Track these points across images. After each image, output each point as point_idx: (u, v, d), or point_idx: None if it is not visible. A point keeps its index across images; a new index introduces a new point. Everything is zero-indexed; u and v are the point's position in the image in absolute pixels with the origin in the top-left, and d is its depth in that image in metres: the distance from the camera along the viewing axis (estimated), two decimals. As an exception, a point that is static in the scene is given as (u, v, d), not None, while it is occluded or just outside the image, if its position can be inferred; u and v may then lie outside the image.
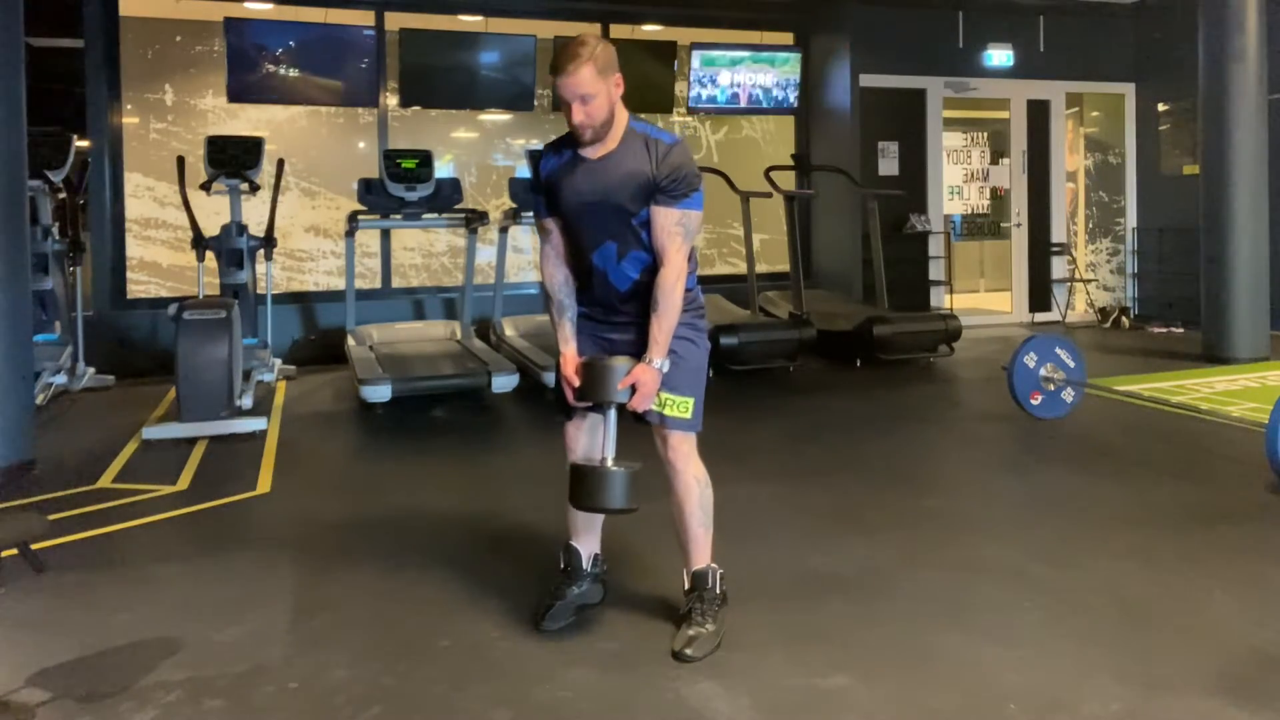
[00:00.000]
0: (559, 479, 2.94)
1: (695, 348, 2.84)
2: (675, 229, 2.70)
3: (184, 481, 4.62)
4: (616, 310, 2.84)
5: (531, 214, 7.27)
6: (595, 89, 2.60)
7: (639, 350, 2.74)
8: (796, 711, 2.43)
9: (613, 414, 2.72)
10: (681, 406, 2.77)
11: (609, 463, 2.68)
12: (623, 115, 2.72)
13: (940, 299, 9.66)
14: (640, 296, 2.76)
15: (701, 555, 2.85)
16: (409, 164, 7.12)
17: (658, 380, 2.71)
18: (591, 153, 2.73)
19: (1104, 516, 3.89)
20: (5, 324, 4.74)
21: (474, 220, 7.24)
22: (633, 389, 2.67)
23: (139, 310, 7.79)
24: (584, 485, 2.70)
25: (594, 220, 2.74)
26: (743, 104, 9.43)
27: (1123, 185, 10.33)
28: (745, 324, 7.24)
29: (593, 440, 2.87)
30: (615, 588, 3.09)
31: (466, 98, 8.66)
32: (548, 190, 2.81)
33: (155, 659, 2.74)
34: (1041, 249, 10.12)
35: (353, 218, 7.17)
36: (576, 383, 2.76)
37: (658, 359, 2.70)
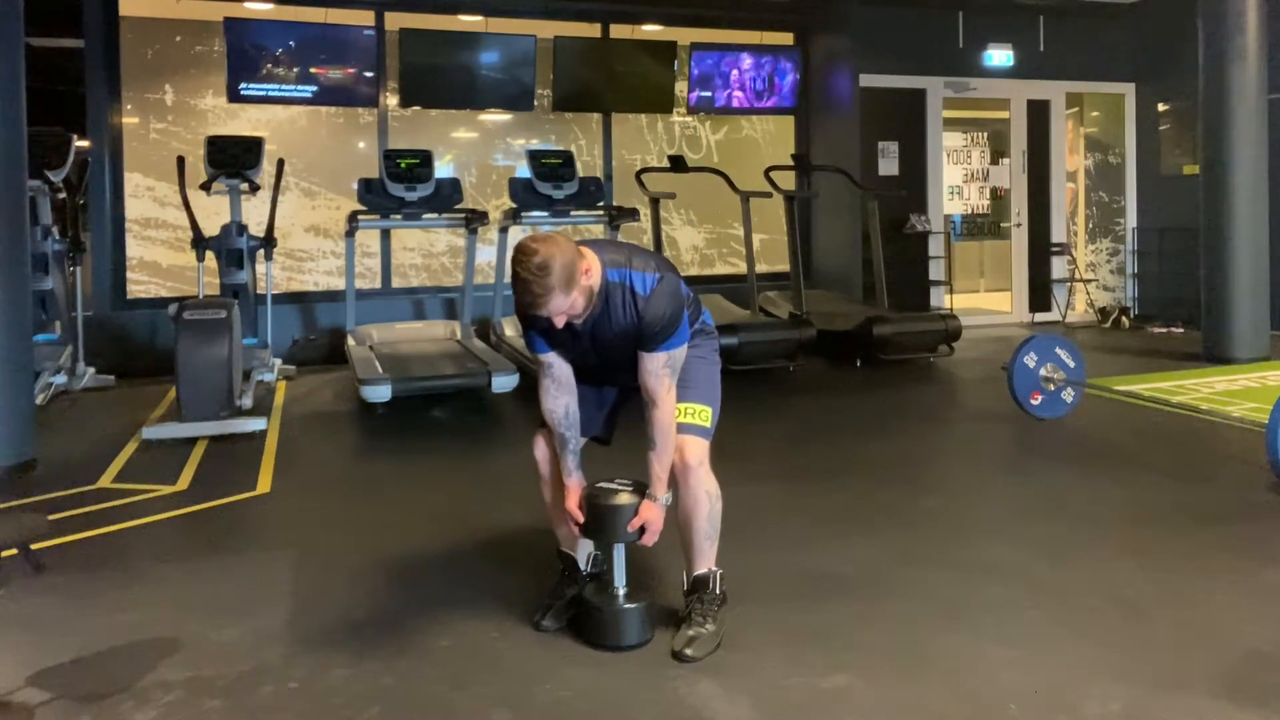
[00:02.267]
0: (558, 479, 2.94)
1: (707, 363, 2.89)
2: (662, 371, 2.69)
3: (184, 481, 4.62)
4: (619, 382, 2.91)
5: (531, 214, 7.37)
6: (569, 301, 2.54)
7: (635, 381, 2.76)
8: (796, 711, 2.43)
9: (620, 551, 2.77)
10: (699, 414, 2.80)
11: (621, 599, 2.75)
12: (596, 272, 2.62)
13: (940, 299, 9.66)
14: None
15: (704, 562, 2.85)
16: (409, 164, 7.12)
17: (663, 515, 2.74)
18: (577, 319, 2.67)
19: (1104, 516, 3.89)
20: (5, 324, 4.74)
21: (474, 220, 7.24)
22: (641, 529, 2.71)
23: (139, 310, 7.80)
24: (600, 624, 2.76)
25: (599, 364, 2.80)
26: (742, 104, 9.43)
27: (1123, 185, 10.33)
28: (745, 324, 7.24)
29: (562, 461, 2.85)
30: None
31: (466, 98, 8.67)
32: (543, 334, 2.75)
33: (155, 659, 2.74)
34: (1041, 249, 10.12)
35: (353, 218, 7.17)
36: (580, 519, 2.77)
37: (661, 494, 2.73)
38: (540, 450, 2.92)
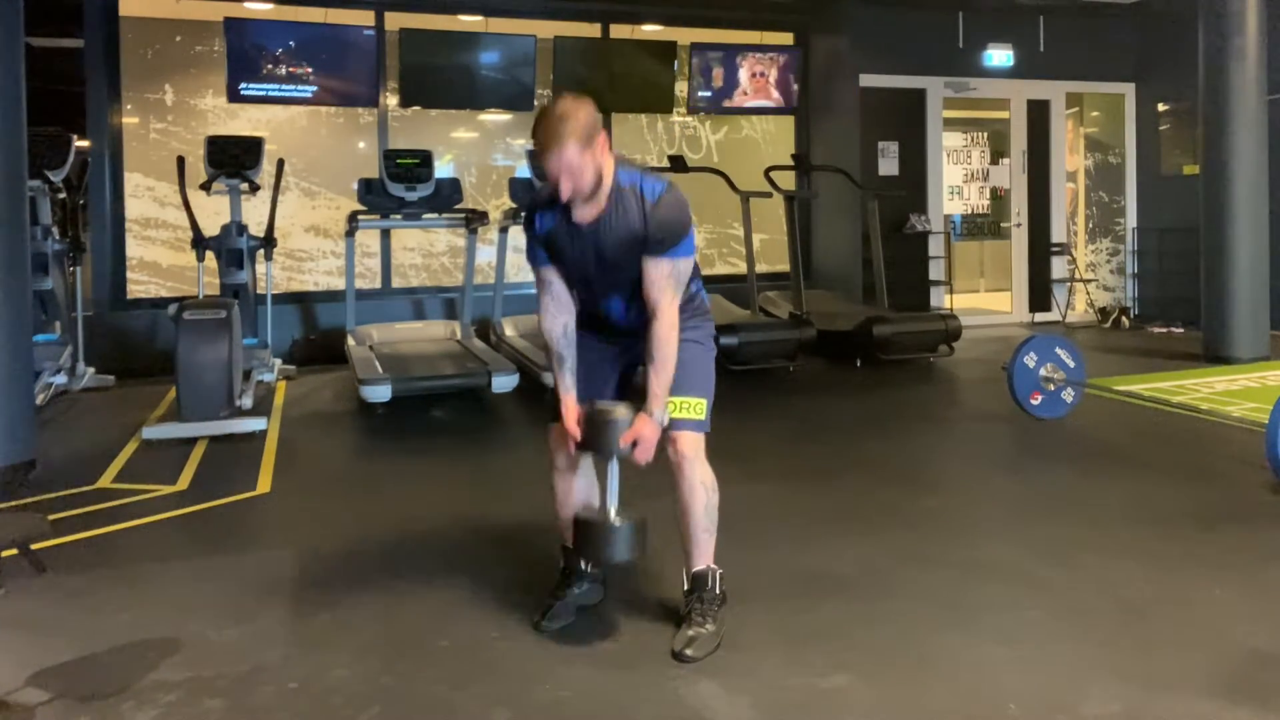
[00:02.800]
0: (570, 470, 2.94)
1: (702, 350, 2.86)
2: (666, 281, 2.69)
3: (184, 481, 4.62)
4: (622, 332, 2.88)
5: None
6: (581, 161, 2.55)
7: (639, 352, 2.75)
8: (796, 711, 2.43)
9: (615, 465, 2.74)
10: (695, 408, 2.78)
11: (613, 515, 2.71)
12: (609, 167, 2.65)
13: (940, 299, 9.66)
14: (645, 325, 2.75)
15: (703, 557, 2.85)
16: (409, 164, 7.12)
17: (658, 433, 2.72)
18: (583, 217, 2.68)
19: (1104, 516, 3.89)
20: (5, 324, 4.73)
21: (474, 220, 7.24)
22: (635, 443, 2.69)
23: (139, 310, 7.80)
24: (590, 539, 2.74)
25: (598, 281, 2.77)
26: (742, 104, 9.43)
27: (1123, 185, 10.33)
28: (745, 324, 7.24)
29: (580, 456, 2.86)
30: (615, 588, 3.09)
31: (466, 98, 8.67)
32: (545, 245, 2.77)
33: (155, 659, 2.74)
34: (1041, 249, 10.12)
35: (353, 218, 7.17)
36: (578, 434, 2.76)
37: (657, 411, 2.71)
38: (555, 440, 2.91)
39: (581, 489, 2.96)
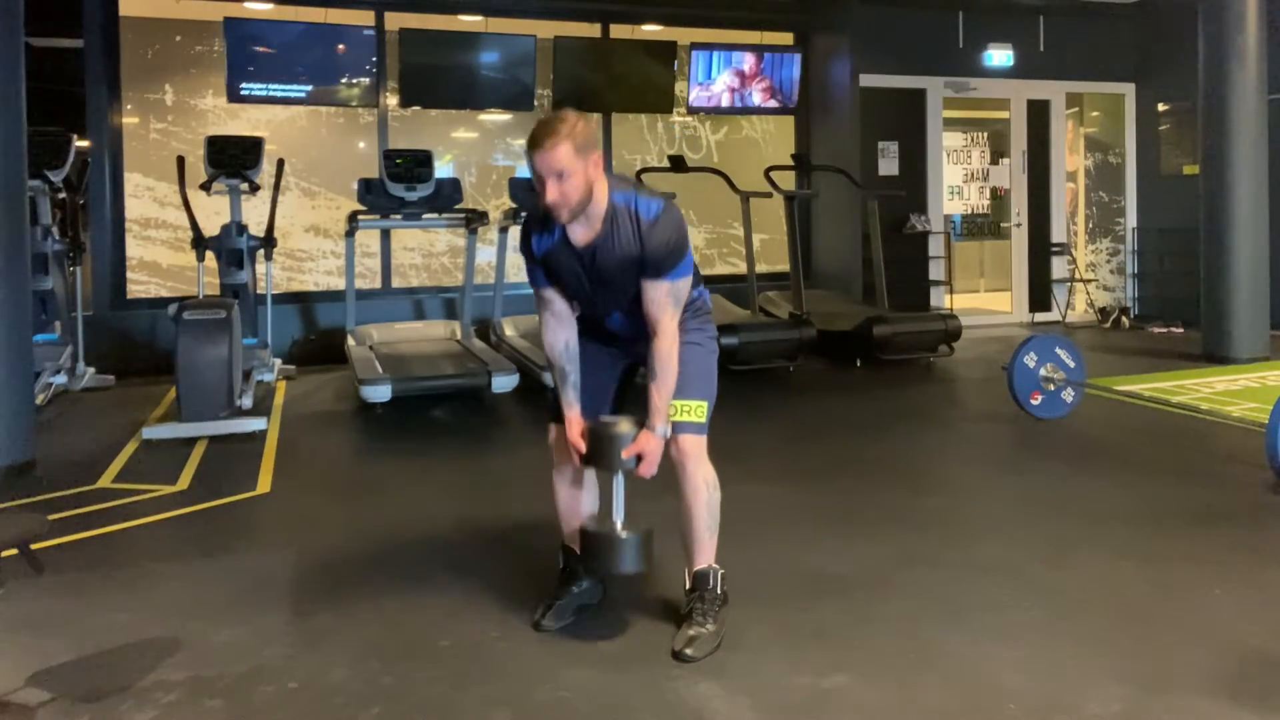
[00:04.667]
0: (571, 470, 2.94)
1: (704, 351, 2.87)
2: (665, 300, 2.69)
3: (184, 481, 4.62)
4: (622, 341, 2.91)
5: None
6: (572, 167, 2.52)
7: (640, 354, 2.75)
8: (796, 711, 2.43)
9: (619, 479, 2.76)
10: (696, 411, 2.79)
11: (619, 528, 2.73)
12: (603, 190, 2.63)
13: (940, 299, 9.66)
14: (648, 334, 2.77)
15: (705, 556, 2.85)
16: (409, 164, 7.12)
17: (661, 447, 2.73)
18: (580, 238, 2.67)
19: (1104, 516, 3.89)
20: (5, 324, 4.73)
21: (474, 220, 7.24)
22: (638, 457, 2.70)
23: (139, 310, 7.79)
24: (597, 551, 2.76)
25: (599, 299, 2.79)
26: (743, 104, 9.43)
27: (1123, 185, 10.34)
28: (745, 324, 7.24)
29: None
30: (615, 587, 3.09)
31: (466, 98, 8.66)
32: (543, 265, 2.77)
33: (155, 659, 2.74)
34: (1041, 249, 10.12)
35: (353, 218, 7.17)
36: (582, 447, 2.77)
37: (660, 426, 2.72)
38: (554, 440, 2.91)
39: (585, 497, 2.97)
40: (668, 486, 2.86)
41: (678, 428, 2.77)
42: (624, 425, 2.74)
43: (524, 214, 2.82)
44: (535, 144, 2.55)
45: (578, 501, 2.96)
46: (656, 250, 2.63)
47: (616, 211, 2.64)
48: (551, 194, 2.55)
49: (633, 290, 2.71)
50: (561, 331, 2.82)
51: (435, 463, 5.01)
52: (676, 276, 2.69)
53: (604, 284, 2.73)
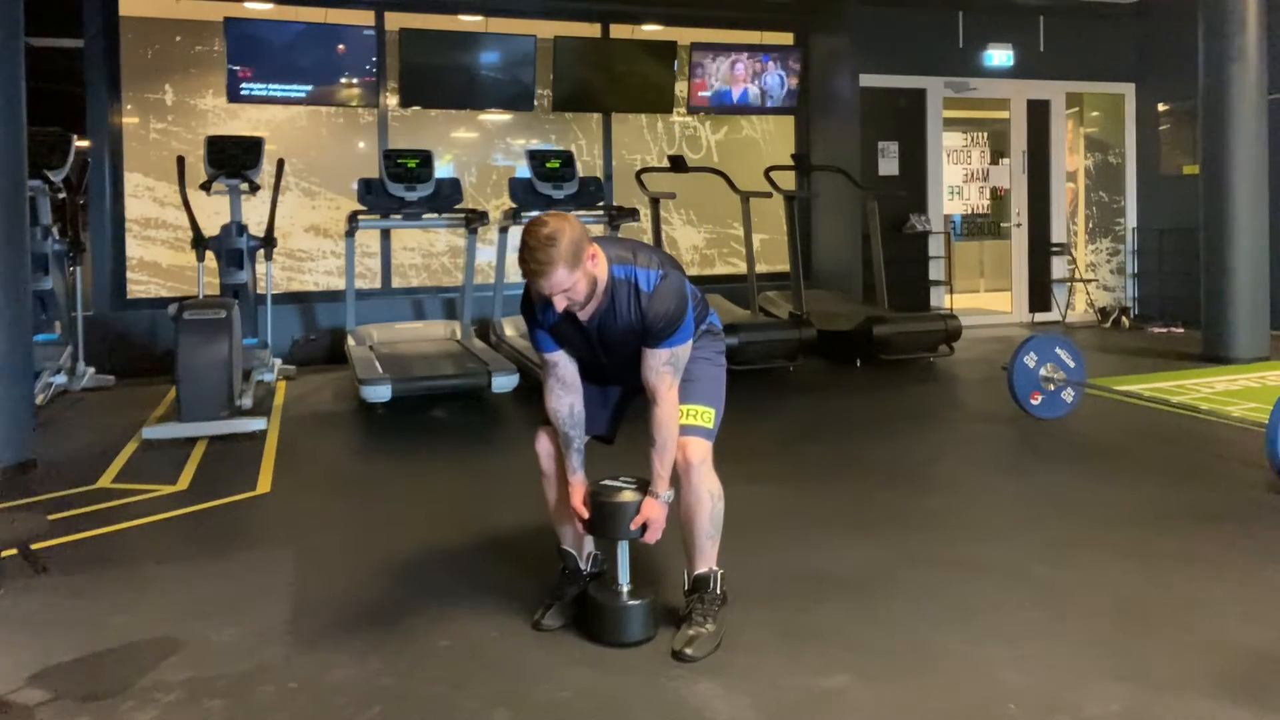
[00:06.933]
0: (560, 475, 2.94)
1: (711, 365, 2.89)
2: (664, 368, 2.70)
3: (184, 481, 4.62)
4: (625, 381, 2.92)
5: (531, 214, 7.36)
6: (571, 280, 2.54)
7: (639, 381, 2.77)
8: (796, 711, 2.43)
9: (624, 548, 2.78)
10: (703, 415, 2.81)
11: (625, 595, 2.76)
12: (603, 269, 2.64)
13: (940, 299, 9.66)
14: None
15: (705, 560, 2.86)
16: (409, 164, 7.12)
17: (665, 513, 2.75)
18: (584, 314, 2.68)
19: (1104, 516, 3.89)
20: (5, 324, 4.74)
21: (474, 220, 7.24)
22: (644, 527, 2.72)
23: (139, 310, 7.80)
24: (603, 621, 2.78)
25: (606, 361, 2.80)
26: (743, 104, 9.43)
27: (1123, 185, 10.34)
28: (745, 324, 7.24)
29: (567, 459, 2.86)
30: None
31: (466, 98, 8.67)
32: (551, 332, 2.76)
33: (155, 659, 2.74)
34: (1041, 249, 10.12)
35: (353, 218, 7.17)
36: (585, 515, 2.78)
37: (663, 493, 2.74)
38: (542, 446, 2.92)
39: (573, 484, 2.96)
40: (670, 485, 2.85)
41: (684, 429, 2.77)
42: (627, 494, 2.75)
43: (523, 303, 2.81)
44: (531, 274, 2.54)
45: (568, 505, 2.95)
46: (655, 321, 2.64)
47: (616, 285, 2.66)
48: (560, 305, 2.59)
49: (637, 351, 2.73)
50: (566, 396, 2.81)
51: (435, 463, 5.01)
52: (675, 344, 2.70)
53: (610, 349, 2.76)
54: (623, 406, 3.01)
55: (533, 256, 2.51)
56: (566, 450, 2.83)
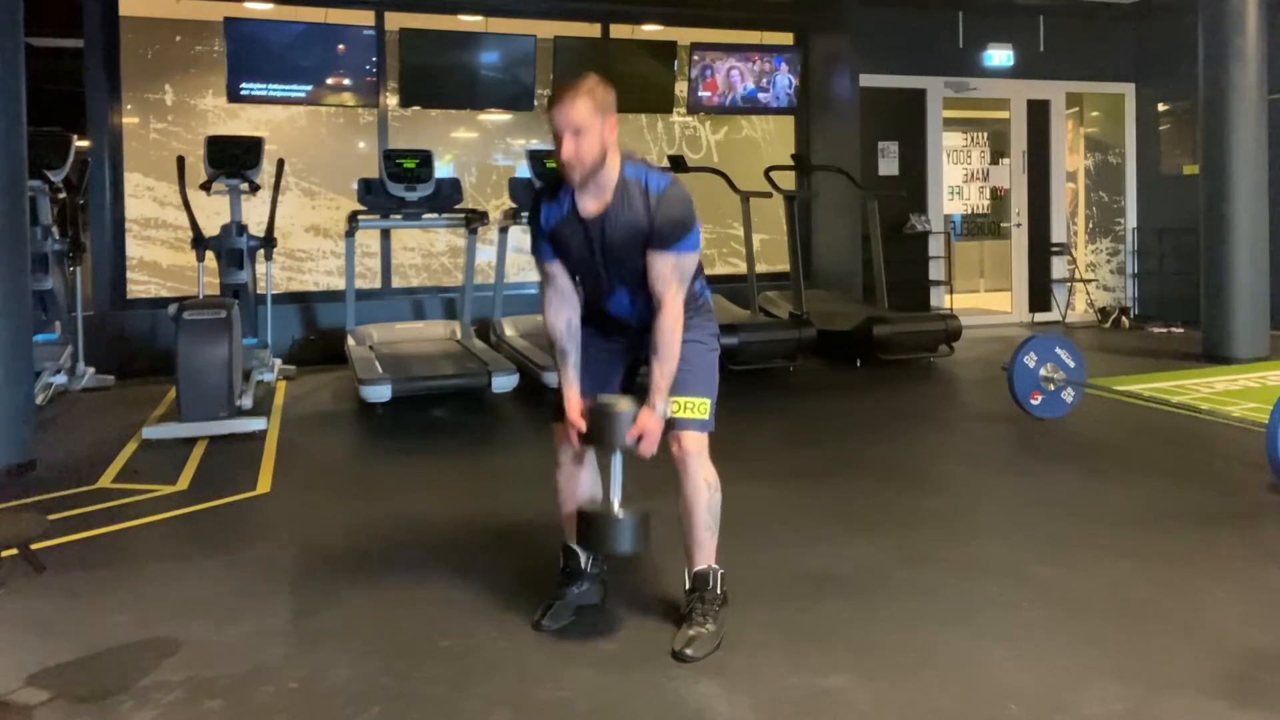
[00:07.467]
0: (574, 468, 2.94)
1: (705, 349, 2.86)
2: (670, 274, 2.70)
3: (184, 481, 4.62)
4: (627, 329, 2.88)
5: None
6: (589, 124, 2.57)
7: (643, 351, 2.75)
8: (796, 711, 2.43)
9: (618, 458, 2.75)
10: (699, 408, 2.79)
11: (616, 508, 2.72)
12: (615, 160, 2.68)
13: (940, 299, 9.66)
14: (651, 321, 2.77)
15: (705, 557, 2.85)
16: (409, 164, 7.12)
17: (661, 425, 2.72)
18: (590, 208, 2.69)
19: (1104, 516, 3.89)
20: (5, 324, 4.74)
21: (474, 220, 7.24)
22: (639, 438, 2.69)
23: (139, 310, 7.79)
24: (593, 531, 2.75)
25: (603, 274, 2.78)
26: (743, 104, 9.43)
27: (1123, 185, 10.34)
28: (745, 324, 7.24)
29: (585, 451, 2.87)
30: (615, 588, 3.09)
31: (466, 98, 8.67)
32: (550, 239, 2.79)
33: (155, 659, 2.73)
34: (1041, 249, 10.12)
35: (353, 218, 7.17)
36: (582, 426, 2.76)
37: (660, 404, 2.72)
38: (559, 439, 2.91)
39: (586, 486, 2.96)
40: (667, 485, 2.86)
41: (679, 424, 2.76)
42: (624, 404, 2.73)
43: (532, 202, 2.82)
44: (555, 100, 2.62)
45: (580, 501, 2.95)
46: (664, 223, 2.66)
47: (627, 184, 2.68)
48: (567, 149, 2.59)
49: (638, 265, 2.72)
50: (564, 309, 2.83)
51: (435, 463, 5.01)
52: (683, 250, 2.70)
53: (610, 257, 2.73)
54: (625, 382, 2.99)
55: (565, 86, 2.60)
56: (563, 364, 2.83)
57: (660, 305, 2.70)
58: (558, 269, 2.82)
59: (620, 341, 2.94)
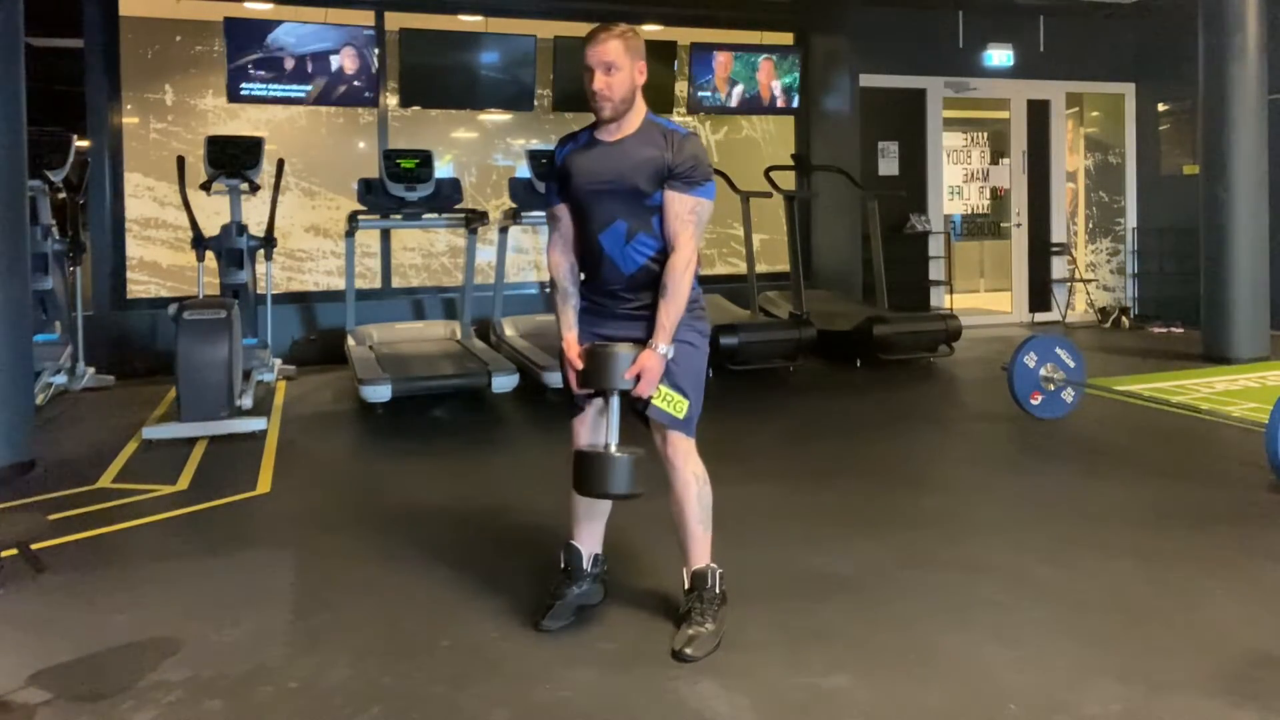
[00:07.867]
0: (559, 479, 2.95)
1: (694, 350, 2.85)
2: (689, 216, 2.74)
3: (184, 481, 4.62)
4: (619, 298, 2.83)
5: (531, 214, 7.38)
6: (621, 62, 2.73)
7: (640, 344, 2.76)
8: (796, 711, 2.43)
9: (616, 401, 2.74)
10: (676, 405, 2.77)
11: (613, 449, 2.70)
12: (641, 106, 2.83)
13: (940, 299, 9.66)
14: (644, 285, 2.78)
15: (701, 554, 2.85)
16: (409, 164, 7.12)
17: (662, 366, 2.72)
18: (609, 135, 2.80)
19: (1104, 516, 3.89)
20: (5, 324, 4.74)
21: (474, 220, 7.24)
22: (637, 377, 2.68)
23: (139, 310, 7.79)
24: (588, 471, 2.72)
25: (607, 199, 2.78)
26: (742, 104, 9.42)
27: (1123, 185, 10.34)
28: (745, 324, 7.24)
29: (596, 431, 2.88)
30: (615, 588, 3.09)
31: (466, 98, 8.66)
32: (562, 176, 2.87)
33: (155, 659, 2.74)
34: (1041, 249, 10.13)
35: (353, 218, 7.17)
36: (580, 366, 2.76)
37: (663, 345, 2.72)
38: (577, 431, 2.91)
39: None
40: (662, 485, 2.86)
41: (666, 419, 2.76)
42: (624, 346, 2.73)
43: (557, 144, 2.93)
44: (590, 39, 2.76)
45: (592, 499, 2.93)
46: (685, 160, 2.73)
47: (650, 124, 2.82)
48: (599, 82, 2.74)
49: (637, 203, 2.74)
50: (569, 251, 2.91)
51: (435, 463, 5.01)
52: (701, 194, 2.76)
53: (615, 181, 2.75)
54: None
55: (600, 27, 2.78)
56: (564, 306, 2.87)
57: (675, 246, 2.75)
58: (563, 211, 2.89)
59: (613, 334, 2.86)
